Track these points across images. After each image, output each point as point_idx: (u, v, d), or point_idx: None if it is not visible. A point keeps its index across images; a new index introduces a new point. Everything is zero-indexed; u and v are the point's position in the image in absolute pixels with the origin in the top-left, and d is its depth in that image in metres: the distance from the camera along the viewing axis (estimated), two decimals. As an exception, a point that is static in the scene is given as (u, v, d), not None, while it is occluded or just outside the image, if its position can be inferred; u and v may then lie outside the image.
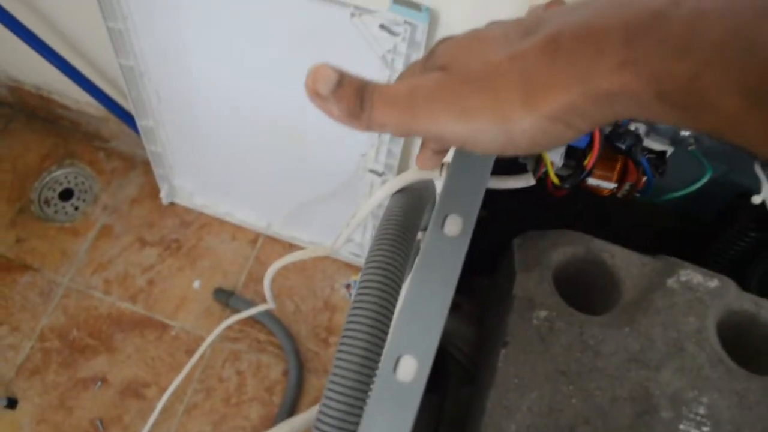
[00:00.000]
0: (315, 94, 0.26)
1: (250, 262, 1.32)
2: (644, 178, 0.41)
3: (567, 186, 0.40)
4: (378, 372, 0.28)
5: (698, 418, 0.33)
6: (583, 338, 0.33)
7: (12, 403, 1.17)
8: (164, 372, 1.20)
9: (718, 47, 0.18)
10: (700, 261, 0.40)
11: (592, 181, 0.43)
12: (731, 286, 0.39)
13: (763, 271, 0.50)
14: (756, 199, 0.39)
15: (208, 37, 0.92)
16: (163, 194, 1.33)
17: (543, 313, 0.34)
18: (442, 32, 0.77)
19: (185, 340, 1.24)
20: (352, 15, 0.74)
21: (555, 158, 0.44)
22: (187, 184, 1.32)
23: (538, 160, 0.41)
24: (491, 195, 0.39)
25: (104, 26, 0.93)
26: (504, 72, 0.24)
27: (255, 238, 1.35)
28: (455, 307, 0.44)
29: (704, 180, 0.40)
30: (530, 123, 0.24)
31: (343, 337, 0.35)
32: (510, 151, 0.25)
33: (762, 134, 0.18)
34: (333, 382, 0.32)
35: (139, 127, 1.15)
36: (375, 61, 0.79)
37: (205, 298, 1.28)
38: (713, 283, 0.37)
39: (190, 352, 1.21)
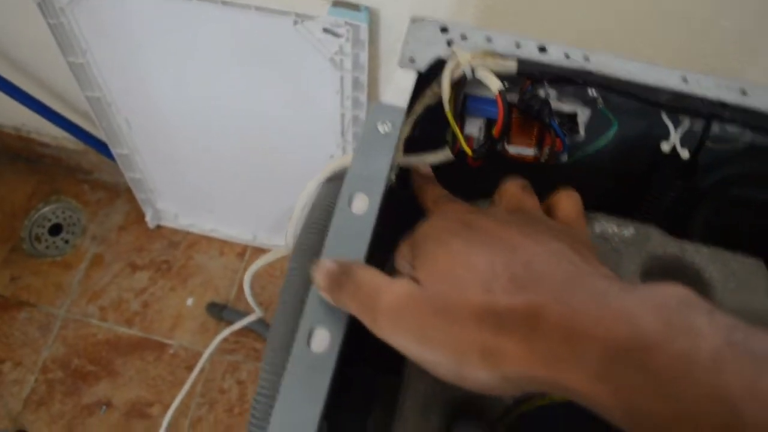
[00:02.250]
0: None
1: (240, 274, 1.35)
2: (558, 140, 0.43)
3: (479, 156, 0.42)
4: (294, 345, 0.30)
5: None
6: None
7: (22, 437, 1.19)
8: (166, 390, 1.23)
9: (701, 408, 0.18)
10: (636, 217, 0.41)
11: (513, 149, 0.45)
12: (652, 233, 0.40)
13: (703, 219, 0.52)
14: (664, 146, 0.41)
15: (166, 61, 0.95)
16: (148, 218, 1.35)
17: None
18: (385, 29, 0.79)
19: (184, 357, 1.26)
20: (295, 23, 0.76)
21: (474, 131, 0.46)
22: (171, 205, 1.34)
23: (454, 134, 0.43)
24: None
25: (65, 61, 0.96)
26: (476, 320, 0.23)
27: (242, 250, 1.37)
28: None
29: (611, 133, 0.42)
30: (485, 377, 0.23)
31: (274, 318, 0.37)
32: (458, 385, 0.25)
33: None
34: (265, 361, 0.34)
35: (115, 156, 1.17)
36: (325, 63, 0.82)
37: (199, 314, 1.30)
38: (629, 231, 0.39)
39: (189, 368, 1.23)
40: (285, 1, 0.74)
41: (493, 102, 0.43)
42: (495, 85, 0.40)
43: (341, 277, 0.28)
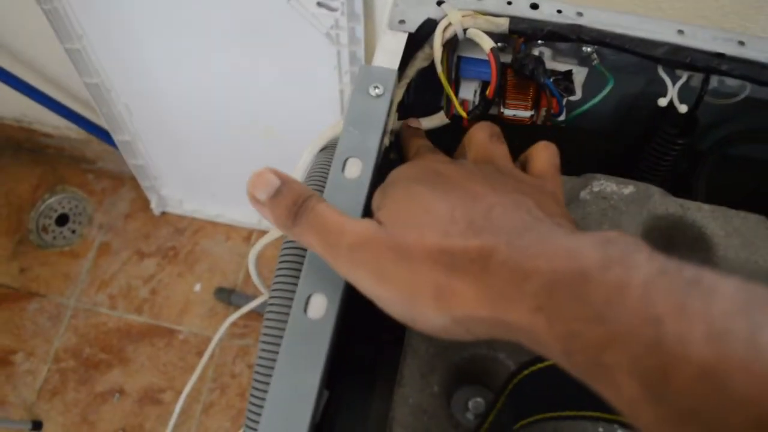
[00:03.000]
0: (253, 199, 0.27)
1: (247, 258, 1.35)
2: (554, 101, 0.42)
3: (474, 118, 0.41)
4: (291, 313, 0.30)
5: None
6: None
7: (37, 426, 1.21)
8: (178, 376, 1.24)
9: (630, 329, 0.18)
10: (636, 178, 0.40)
11: (509, 111, 0.44)
12: (653, 191, 0.40)
13: (705, 179, 0.51)
14: (662, 102, 0.40)
15: (163, 43, 0.94)
16: (153, 205, 1.36)
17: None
18: (381, 1, 0.78)
19: (194, 343, 1.27)
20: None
21: (469, 95, 0.45)
22: (175, 192, 1.35)
23: (448, 98, 0.42)
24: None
25: (62, 48, 0.95)
26: (431, 261, 0.23)
27: (248, 234, 1.37)
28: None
29: (607, 90, 0.41)
30: (435, 318, 0.23)
31: (270, 289, 0.36)
32: (410, 325, 0.25)
33: (654, 428, 0.18)
34: (262, 332, 0.33)
35: (117, 143, 1.17)
36: (321, 39, 0.81)
37: (208, 299, 1.30)
38: (628, 189, 0.38)
39: (200, 353, 1.24)
40: (278, -24, 0.73)
41: (487, 63, 0.43)
42: (487, 43, 0.39)
43: (299, 209, 0.27)
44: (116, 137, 1.16)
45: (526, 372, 0.30)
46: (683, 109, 0.40)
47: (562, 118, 0.45)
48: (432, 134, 0.45)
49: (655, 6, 0.67)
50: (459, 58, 0.44)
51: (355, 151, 0.35)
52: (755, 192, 0.49)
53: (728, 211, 0.40)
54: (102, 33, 0.95)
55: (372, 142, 0.35)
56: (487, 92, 0.40)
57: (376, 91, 0.38)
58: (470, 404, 0.32)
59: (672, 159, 0.48)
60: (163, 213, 1.39)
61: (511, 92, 0.44)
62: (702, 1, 0.66)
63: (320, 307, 0.30)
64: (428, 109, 0.45)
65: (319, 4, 0.75)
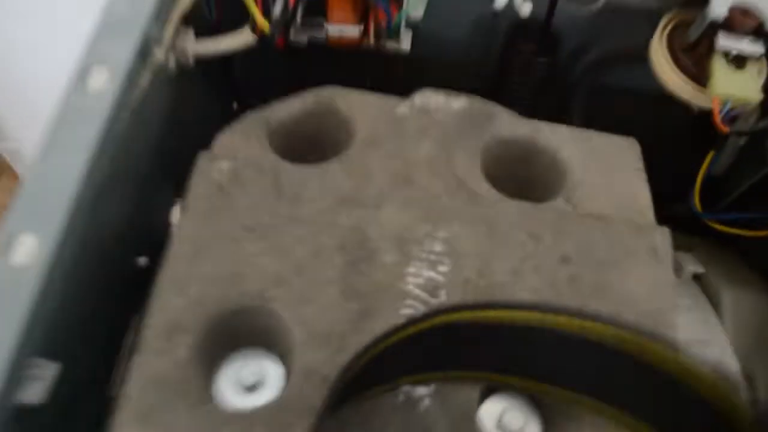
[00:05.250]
0: None
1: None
2: (379, 11, 0.35)
3: (277, 29, 0.33)
4: None
5: (432, 257, 0.27)
6: (279, 185, 0.27)
7: None
8: None
9: None
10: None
11: (333, 29, 0.37)
12: (496, 111, 0.33)
13: (579, 112, 0.45)
14: (499, 3, 0.33)
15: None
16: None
17: (225, 164, 0.27)
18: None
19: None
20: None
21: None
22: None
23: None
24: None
25: None
26: None
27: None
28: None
29: None
30: None
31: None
32: None
33: None
34: None
35: (-19, 125, 1.04)
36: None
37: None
38: (458, 103, 0.31)
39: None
40: None
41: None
42: (285, -69, 0.31)
43: None
44: (-22, 119, 1.03)
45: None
46: (526, 8, 0.33)
47: (405, 45, 0.38)
48: (252, 62, 0.38)
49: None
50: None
51: (104, 56, 0.27)
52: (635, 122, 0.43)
53: (589, 133, 0.34)
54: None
55: (126, 47, 0.27)
56: (289, -5, 0.32)
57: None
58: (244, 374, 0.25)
59: (535, 85, 0.41)
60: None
61: (334, 4, 0.36)
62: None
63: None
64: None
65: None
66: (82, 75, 0.27)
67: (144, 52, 0.29)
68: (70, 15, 0.83)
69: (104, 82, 0.27)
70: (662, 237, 0.29)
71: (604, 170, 0.32)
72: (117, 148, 0.28)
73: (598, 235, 0.29)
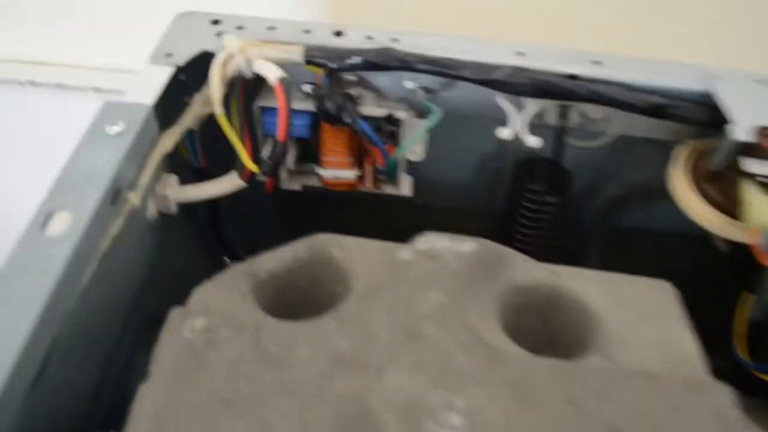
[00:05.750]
0: None
1: None
2: (375, 150, 0.33)
3: (268, 172, 0.31)
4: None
5: (448, 431, 0.21)
6: (262, 345, 0.22)
7: None
8: None
9: None
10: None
11: (327, 173, 0.34)
12: (509, 254, 0.29)
13: (600, 244, 0.41)
14: (503, 133, 0.31)
15: None
16: None
17: (198, 322, 0.23)
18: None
19: None
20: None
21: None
22: None
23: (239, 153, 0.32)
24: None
25: None
26: None
27: None
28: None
29: (433, 121, 0.32)
30: None
31: None
32: None
33: None
34: None
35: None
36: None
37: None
38: (468, 246, 0.28)
39: None
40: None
41: (300, 114, 0.33)
42: (274, 74, 0.30)
43: None
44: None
45: None
46: (533, 142, 0.31)
47: (406, 190, 0.36)
48: (246, 208, 0.35)
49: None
50: (262, 109, 0.35)
51: (66, 201, 0.24)
52: (657, 259, 0.39)
53: (617, 276, 0.30)
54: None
55: (94, 188, 0.24)
56: (277, 135, 0.30)
57: (115, 128, 0.27)
58: None
59: (547, 227, 0.38)
60: None
61: (327, 147, 0.34)
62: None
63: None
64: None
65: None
66: (41, 220, 0.23)
67: (114, 197, 0.26)
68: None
69: (66, 228, 0.23)
70: (724, 396, 0.24)
71: (641, 319, 0.28)
72: (79, 302, 0.24)
73: (649, 398, 0.24)
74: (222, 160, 0.33)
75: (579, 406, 0.23)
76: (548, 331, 0.29)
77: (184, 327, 0.23)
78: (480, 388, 0.23)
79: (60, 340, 0.23)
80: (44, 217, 0.24)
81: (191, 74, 0.32)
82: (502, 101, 0.31)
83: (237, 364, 0.22)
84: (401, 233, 0.29)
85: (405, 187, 0.37)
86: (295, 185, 0.36)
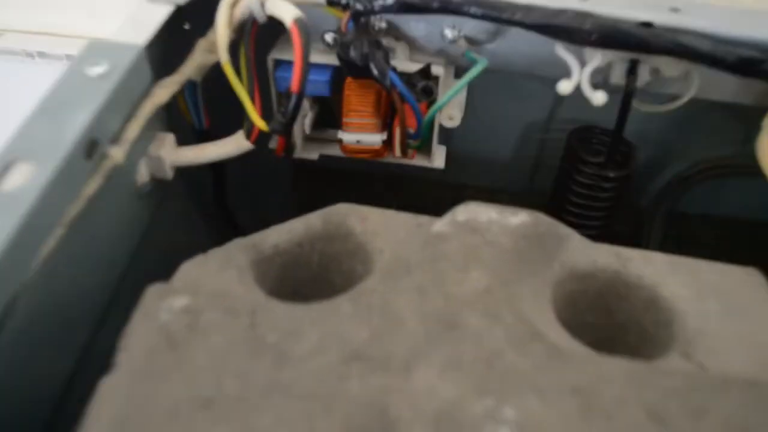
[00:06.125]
0: None
1: None
2: (408, 108, 0.28)
3: (279, 128, 0.26)
4: None
5: (496, 448, 0.16)
6: (257, 334, 0.18)
7: None
8: None
9: None
10: None
11: (349, 137, 0.29)
12: (566, 232, 0.24)
13: (661, 220, 0.35)
14: (564, 87, 0.26)
15: None
16: None
17: (179, 302, 0.18)
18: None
19: None
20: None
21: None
22: None
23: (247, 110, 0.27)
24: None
25: None
26: None
27: None
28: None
29: (477, 70, 0.27)
30: None
31: None
32: None
33: None
34: None
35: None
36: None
37: None
38: (518, 218, 0.23)
39: None
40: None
41: (320, 69, 0.29)
42: (290, 13, 0.25)
43: None
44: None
45: None
46: (599, 98, 0.26)
47: (440, 162, 0.31)
48: (258, 178, 0.30)
49: None
50: (276, 63, 0.30)
51: (27, 154, 0.19)
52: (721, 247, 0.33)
53: (694, 262, 0.24)
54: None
55: (63, 140, 0.20)
56: (291, 86, 0.25)
57: (97, 69, 0.23)
58: None
59: (603, 208, 0.32)
60: None
61: (350, 106, 0.29)
62: None
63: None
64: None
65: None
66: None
67: (89, 150, 0.21)
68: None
69: (25, 181, 0.19)
70: None
71: (729, 313, 0.23)
72: (41, 275, 0.19)
73: (751, 411, 0.18)
74: (229, 123, 0.28)
75: (664, 421, 0.17)
76: (610, 325, 0.24)
77: (161, 307, 0.18)
78: (536, 395, 0.18)
79: (14, 320, 0.18)
80: (0, 168, 0.19)
81: (196, 18, 0.27)
82: (563, 52, 0.26)
83: (223, 356, 0.17)
84: (429, 215, 0.24)
85: (438, 158, 0.32)
86: (312, 154, 0.32)
